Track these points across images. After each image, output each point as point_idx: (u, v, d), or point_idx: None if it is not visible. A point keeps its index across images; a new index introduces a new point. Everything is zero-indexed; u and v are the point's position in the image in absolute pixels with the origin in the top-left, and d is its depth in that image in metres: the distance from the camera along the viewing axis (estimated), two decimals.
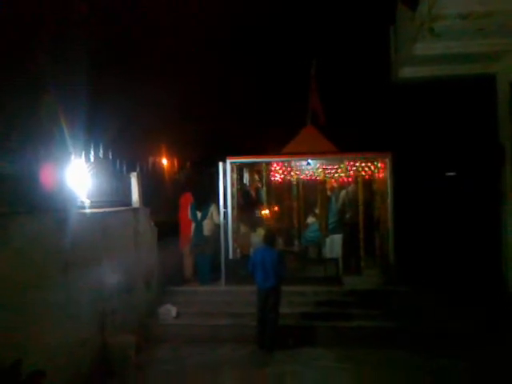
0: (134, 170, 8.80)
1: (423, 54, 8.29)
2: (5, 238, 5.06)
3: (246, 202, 10.80)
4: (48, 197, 6.07)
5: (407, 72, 9.65)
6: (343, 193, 10.92)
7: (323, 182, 10.78)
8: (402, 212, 9.67)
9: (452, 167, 14.02)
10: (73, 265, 6.15)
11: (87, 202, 6.96)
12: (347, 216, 10.63)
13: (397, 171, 9.50)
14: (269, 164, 10.82)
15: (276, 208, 11.71)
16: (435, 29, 6.86)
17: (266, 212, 11.01)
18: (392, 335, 7.72)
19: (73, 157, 6.71)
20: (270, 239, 7.94)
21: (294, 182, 11.46)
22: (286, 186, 11.81)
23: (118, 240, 7.69)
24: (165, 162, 13.18)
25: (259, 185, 11.42)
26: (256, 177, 11.32)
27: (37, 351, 5.24)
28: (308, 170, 11.02)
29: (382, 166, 9.82)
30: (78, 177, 6.78)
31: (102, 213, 7.26)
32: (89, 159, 7.25)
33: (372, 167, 10.28)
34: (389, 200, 9.39)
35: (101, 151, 7.58)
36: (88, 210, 6.94)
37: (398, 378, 6.69)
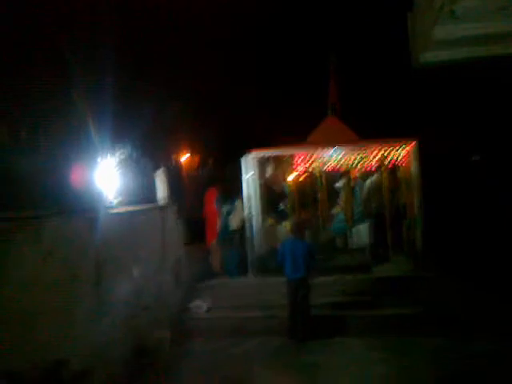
0: (160, 168, 8.89)
1: (443, 38, 8.11)
2: (37, 240, 5.14)
3: (270, 195, 10.83)
4: (78, 197, 6.17)
5: (427, 57, 9.47)
6: (368, 181, 10.86)
7: (347, 172, 10.73)
8: (429, 198, 9.59)
9: (477, 151, 13.84)
10: (104, 263, 6.24)
11: (116, 201, 7.07)
12: (373, 205, 10.57)
13: (421, 157, 9.41)
14: (291, 156, 10.81)
15: (300, 200, 11.69)
16: (456, 10, 6.73)
17: (290, 204, 11.03)
18: (423, 322, 7.66)
19: (101, 156, 6.82)
20: (298, 231, 7.96)
21: (318, 173, 11.41)
22: (309, 177, 11.78)
23: (147, 237, 7.77)
24: (189, 158, 13.27)
25: (282, 177, 11.41)
26: (279, 169, 11.30)
27: (75, 350, 5.32)
28: (331, 160, 10.96)
29: (408, 152, 9.75)
30: (106, 176, 6.89)
31: (130, 211, 7.35)
32: (116, 158, 7.35)
33: (396, 155, 10.20)
34: (415, 186, 9.31)
35: (127, 150, 7.68)
36: (117, 209, 7.04)
37: (432, 365, 6.67)
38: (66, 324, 5.31)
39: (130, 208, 7.47)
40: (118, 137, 7.55)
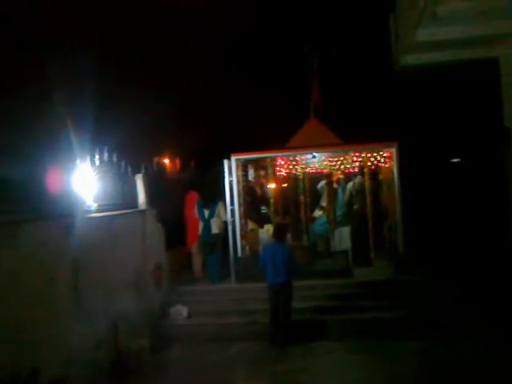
0: (139, 172, 8.78)
1: (425, 40, 8.16)
2: (14, 246, 5.05)
3: (252, 199, 10.77)
4: (55, 202, 6.06)
5: (409, 59, 9.51)
6: (350, 184, 10.88)
7: (329, 175, 10.72)
8: (410, 201, 9.62)
9: (457, 154, 13.97)
10: (83, 269, 6.15)
11: (94, 206, 6.95)
12: (355, 207, 10.60)
13: (403, 160, 9.43)
14: (273, 159, 10.76)
15: (282, 203, 11.66)
16: (438, 13, 6.75)
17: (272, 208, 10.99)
18: (404, 325, 7.68)
19: (78, 161, 6.70)
20: (279, 235, 7.91)
21: (300, 176, 11.39)
22: (291, 180, 11.75)
23: (127, 242, 7.69)
24: (169, 162, 13.17)
25: (264, 181, 11.37)
26: (261, 173, 11.26)
27: (51, 357, 5.24)
28: (313, 163, 10.94)
29: (388, 155, 9.77)
30: (84, 181, 6.77)
31: (109, 216, 7.25)
32: (94, 163, 7.23)
33: (378, 157, 10.22)
34: (396, 190, 9.33)
35: (106, 154, 7.56)
36: (95, 214, 6.93)
37: (413, 369, 6.68)
38: (41, 330, 5.24)
39: (109, 213, 7.36)
40: (97, 141, 7.42)
